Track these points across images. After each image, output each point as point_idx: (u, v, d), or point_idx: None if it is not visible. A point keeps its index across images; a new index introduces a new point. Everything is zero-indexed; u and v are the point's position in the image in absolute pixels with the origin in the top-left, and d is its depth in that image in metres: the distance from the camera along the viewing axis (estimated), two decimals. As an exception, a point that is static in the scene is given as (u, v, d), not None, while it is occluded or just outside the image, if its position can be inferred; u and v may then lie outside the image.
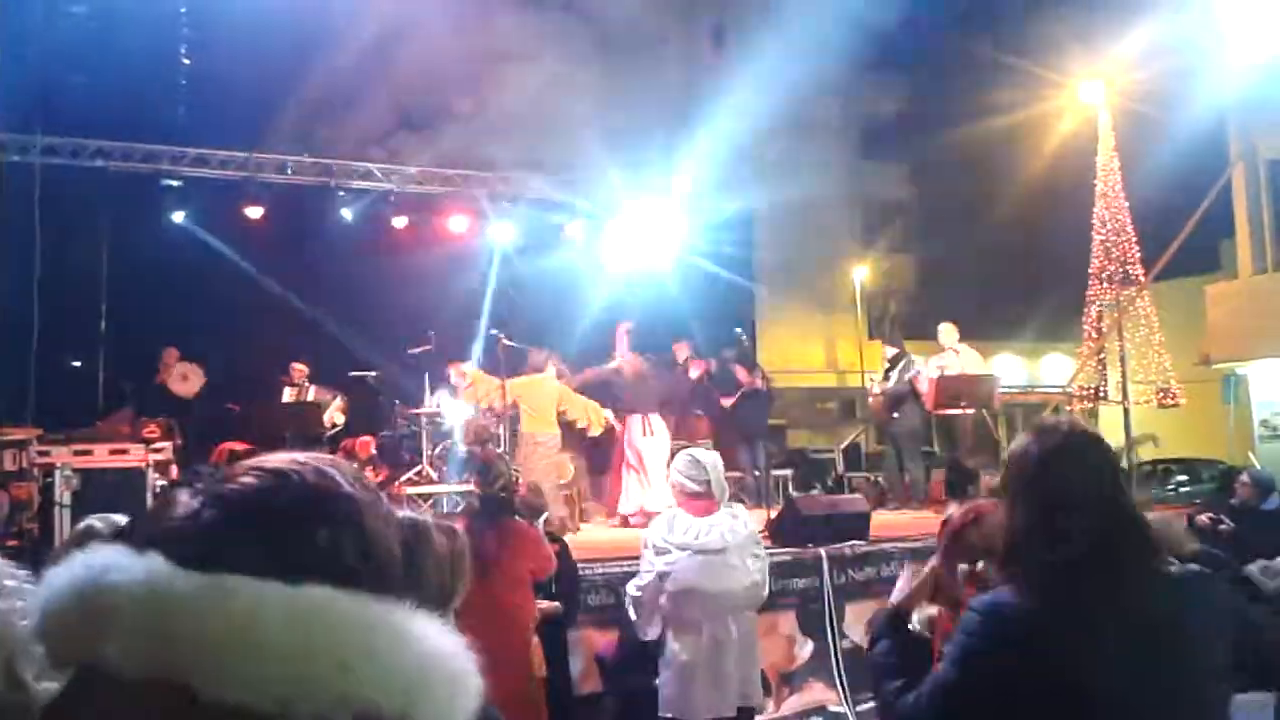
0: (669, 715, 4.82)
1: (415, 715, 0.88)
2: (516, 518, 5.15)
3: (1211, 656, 1.99)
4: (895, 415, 11.77)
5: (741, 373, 11.80)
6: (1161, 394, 17.26)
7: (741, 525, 4.91)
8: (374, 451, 12.07)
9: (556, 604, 5.53)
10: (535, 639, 4.98)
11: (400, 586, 0.98)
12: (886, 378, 11.95)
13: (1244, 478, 9.87)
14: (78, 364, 12.01)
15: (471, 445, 9.57)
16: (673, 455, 12.45)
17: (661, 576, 4.73)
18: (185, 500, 0.93)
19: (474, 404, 10.01)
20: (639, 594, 4.85)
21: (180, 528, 0.90)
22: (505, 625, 4.78)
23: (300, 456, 1.00)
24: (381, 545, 0.99)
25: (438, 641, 0.94)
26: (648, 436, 10.48)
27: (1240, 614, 2.09)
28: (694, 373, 11.68)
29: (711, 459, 4.95)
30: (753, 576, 4.87)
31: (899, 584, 2.58)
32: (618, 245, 15.39)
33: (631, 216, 15.29)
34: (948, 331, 11.57)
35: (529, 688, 4.85)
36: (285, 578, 0.87)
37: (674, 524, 4.81)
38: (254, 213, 13.19)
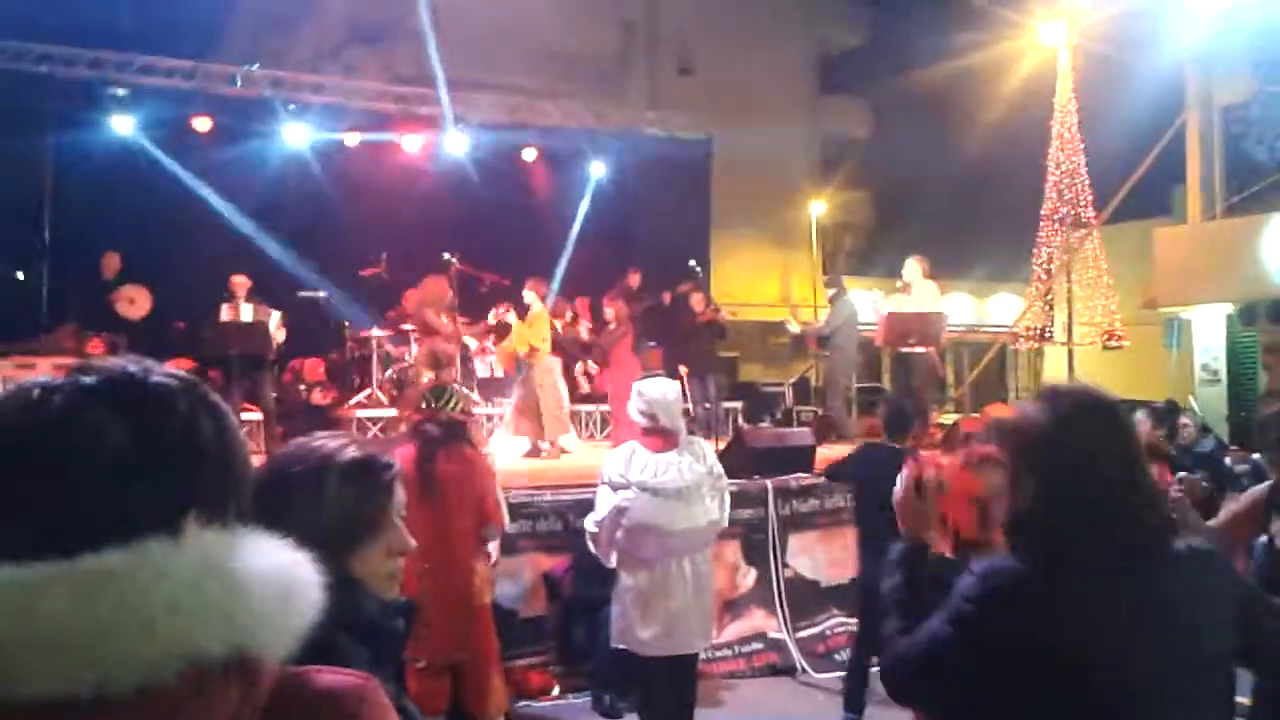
0: (621, 646, 4.80)
1: (246, 642, 0.86)
2: (467, 446, 5.11)
3: (1213, 640, 1.91)
4: (827, 353, 11.89)
5: (696, 304, 11.84)
6: (1106, 335, 17.55)
7: (701, 462, 4.78)
8: (322, 374, 11.97)
9: None
10: (481, 566, 5.00)
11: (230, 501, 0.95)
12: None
13: (1184, 419, 10.21)
14: (20, 276, 11.69)
15: (427, 370, 9.48)
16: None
17: (619, 511, 4.64)
18: None
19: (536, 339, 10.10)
20: (595, 530, 4.76)
21: None
22: (448, 552, 4.79)
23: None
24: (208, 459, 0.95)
25: (266, 560, 0.91)
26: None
27: (1245, 594, 1.99)
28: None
29: (659, 390, 4.77)
30: (710, 515, 4.77)
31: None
32: (572, 171, 15.24)
33: (589, 142, 15.12)
34: (910, 266, 11.33)
35: (468, 612, 4.89)
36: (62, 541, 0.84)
37: (631, 460, 4.69)
38: (202, 125, 12.84)
